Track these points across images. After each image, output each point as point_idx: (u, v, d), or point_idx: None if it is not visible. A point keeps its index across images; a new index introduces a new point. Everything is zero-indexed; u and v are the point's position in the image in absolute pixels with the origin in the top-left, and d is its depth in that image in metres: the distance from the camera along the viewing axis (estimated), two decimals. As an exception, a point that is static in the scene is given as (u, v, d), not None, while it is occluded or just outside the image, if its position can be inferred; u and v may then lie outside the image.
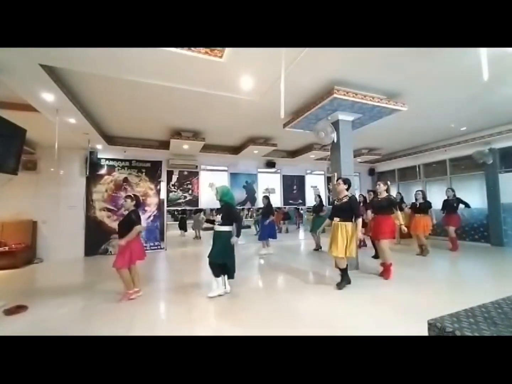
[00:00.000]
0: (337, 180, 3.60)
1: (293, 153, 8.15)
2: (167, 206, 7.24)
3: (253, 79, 3.34)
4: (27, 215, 5.72)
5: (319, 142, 4.66)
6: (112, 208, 6.49)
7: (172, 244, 7.80)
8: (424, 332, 0.99)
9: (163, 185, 7.13)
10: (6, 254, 5.01)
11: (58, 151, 4.54)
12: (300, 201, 9.05)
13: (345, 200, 3.40)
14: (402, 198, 6.64)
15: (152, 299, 3.21)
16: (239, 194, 8.13)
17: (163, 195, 7.11)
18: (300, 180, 9.11)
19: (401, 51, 2.90)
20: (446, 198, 5.83)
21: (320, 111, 4.20)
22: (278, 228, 10.81)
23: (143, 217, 6.77)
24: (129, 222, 3.13)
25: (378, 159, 8.90)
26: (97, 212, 6.36)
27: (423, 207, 5.49)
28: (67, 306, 3.01)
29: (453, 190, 5.77)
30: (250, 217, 14.59)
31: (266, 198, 6.08)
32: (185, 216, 11.03)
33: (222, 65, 2.97)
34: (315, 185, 9.32)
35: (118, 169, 6.70)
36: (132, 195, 3.37)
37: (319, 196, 6.48)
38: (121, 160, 6.72)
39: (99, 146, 6.12)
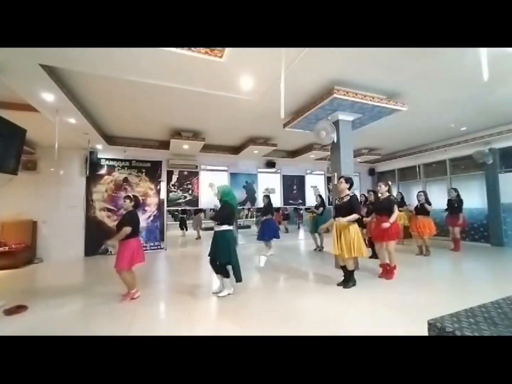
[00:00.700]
0: (339, 179, 3.58)
1: (293, 153, 8.15)
2: (167, 206, 7.24)
3: (253, 79, 3.34)
4: (27, 215, 5.72)
5: (319, 142, 4.66)
6: (112, 208, 6.49)
7: (172, 244, 7.81)
8: (424, 332, 0.99)
9: (163, 185, 7.13)
10: (6, 254, 5.01)
11: (58, 151, 4.54)
12: (300, 201, 9.04)
13: (346, 199, 3.38)
14: (402, 198, 6.62)
15: (152, 299, 3.21)
16: (239, 194, 8.13)
17: (163, 195, 7.11)
18: (300, 180, 9.11)
19: (401, 51, 2.90)
20: (449, 198, 5.81)
21: (320, 111, 4.20)
22: (279, 228, 10.82)
23: (143, 217, 6.78)
24: (121, 223, 3.11)
25: (378, 159, 8.90)
26: (97, 212, 6.36)
27: (424, 209, 5.45)
28: (67, 306, 3.01)
29: (456, 191, 5.75)
30: (250, 217, 14.58)
31: (267, 197, 6.02)
32: (185, 216, 11.04)
33: (222, 65, 2.97)
34: (315, 185, 9.31)
35: (118, 169, 6.70)
36: (131, 196, 3.34)
37: (320, 196, 6.45)
38: (121, 160, 6.72)
39: (99, 146, 6.12)
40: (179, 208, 8.94)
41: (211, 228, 3.52)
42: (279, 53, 2.38)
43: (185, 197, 7.44)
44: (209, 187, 7.58)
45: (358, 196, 4.29)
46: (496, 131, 5.91)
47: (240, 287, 3.44)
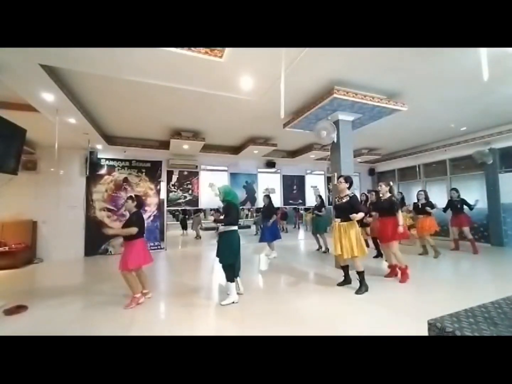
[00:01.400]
0: (338, 179, 3.55)
1: (293, 153, 8.15)
2: (167, 206, 7.24)
3: (253, 79, 3.34)
4: (27, 215, 5.72)
5: (319, 142, 4.66)
6: (112, 208, 6.49)
7: (172, 244, 7.81)
8: (424, 332, 0.99)
9: (163, 185, 7.13)
10: (6, 254, 5.01)
11: (58, 151, 4.54)
12: (300, 201, 9.04)
13: (346, 199, 3.35)
14: (403, 198, 6.60)
15: (152, 299, 3.21)
16: (239, 194, 8.13)
17: (163, 195, 7.11)
18: (300, 180, 9.11)
19: (401, 51, 2.90)
20: (450, 198, 5.80)
21: (320, 111, 4.20)
22: (280, 228, 10.80)
23: (144, 217, 6.77)
24: (128, 225, 3.08)
25: (378, 159, 8.90)
26: (97, 212, 6.36)
27: (425, 208, 5.44)
28: (67, 306, 3.01)
29: (457, 191, 5.73)
30: (250, 217, 14.58)
31: (268, 197, 5.88)
32: (186, 216, 11.07)
33: (222, 65, 2.97)
34: (315, 185, 9.31)
35: (118, 169, 6.70)
36: (134, 196, 3.31)
37: (320, 196, 6.43)
38: (121, 160, 6.72)
39: (99, 146, 6.12)
40: (179, 208, 8.94)
41: (212, 228, 3.51)
42: (279, 53, 2.38)
43: (185, 197, 7.44)
44: (209, 187, 7.57)
45: (359, 196, 4.27)
46: (496, 131, 5.91)
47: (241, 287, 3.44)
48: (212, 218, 3.21)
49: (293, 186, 8.98)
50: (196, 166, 7.47)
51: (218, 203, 3.38)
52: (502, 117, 5.35)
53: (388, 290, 3.32)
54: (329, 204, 7.85)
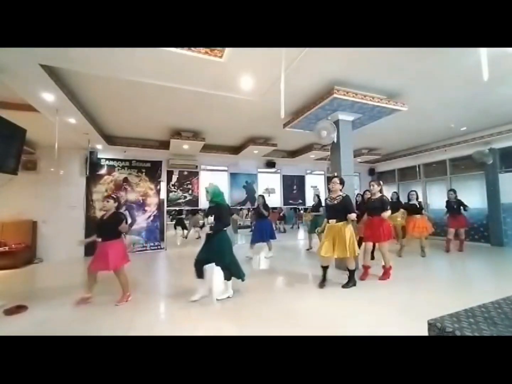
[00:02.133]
0: (331, 179, 3.56)
1: (293, 153, 8.15)
2: (167, 206, 7.24)
3: (253, 79, 3.34)
4: (27, 215, 5.72)
5: (319, 142, 4.66)
6: (112, 208, 6.48)
7: (172, 244, 7.81)
8: (424, 332, 0.99)
9: (163, 185, 7.13)
10: (6, 254, 5.01)
11: (58, 151, 4.54)
12: (300, 201, 9.05)
13: (338, 200, 3.37)
14: (398, 198, 6.53)
15: (152, 299, 3.21)
16: (239, 194, 8.14)
17: (163, 195, 7.11)
18: (300, 180, 9.11)
19: (401, 51, 2.90)
20: (448, 199, 5.80)
21: (320, 111, 4.20)
22: (278, 228, 10.78)
23: (143, 217, 6.79)
24: (115, 223, 3.04)
25: (378, 159, 8.90)
26: (97, 212, 6.34)
27: (416, 208, 5.41)
28: (67, 306, 3.01)
29: (454, 192, 5.73)
30: (250, 218, 14.56)
31: (262, 197, 5.75)
32: (182, 216, 10.90)
33: (222, 65, 2.97)
34: (315, 185, 9.32)
35: (118, 169, 6.70)
36: (115, 196, 3.24)
37: (318, 196, 6.43)
38: (121, 160, 6.72)
39: (99, 146, 6.12)
40: (176, 208, 8.88)
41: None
42: (279, 53, 2.37)
43: (185, 197, 7.44)
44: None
45: (355, 196, 4.27)
46: (496, 131, 5.91)
47: (239, 287, 3.44)
48: (211, 219, 3.14)
49: (293, 186, 8.98)
50: (196, 166, 7.47)
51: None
52: (502, 117, 5.35)
53: (386, 290, 3.32)
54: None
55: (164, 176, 7.15)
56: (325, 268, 3.52)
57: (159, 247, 6.90)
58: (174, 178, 7.36)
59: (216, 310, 2.86)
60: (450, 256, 5.39)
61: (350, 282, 3.43)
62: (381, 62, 3.16)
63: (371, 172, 9.87)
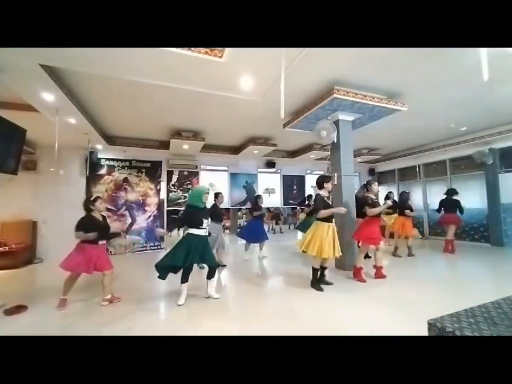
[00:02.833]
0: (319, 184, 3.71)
1: (293, 153, 8.15)
2: (167, 206, 7.24)
3: (253, 79, 3.34)
4: (27, 215, 5.72)
5: (319, 142, 4.66)
6: (112, 208, 6.49)
7: (172, 244, 7.80)
8: (424, 332, 0.99)
9: (163, 185, 7.13)
10: (6, 254, 5.01)
11: (58, 151, 4.53)
12: (300, 201, 9.05)
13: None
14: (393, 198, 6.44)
15: (152, 299, 3.21)
16: (239, 194, 8.14)
17: (163, 195, 7.11)
18: (300, 180, 9.11)
19: (401, 51, 2.90)
20: (445, 197, 5.78)
21: (320, 111, 4.20)
22: (269, 229, 10.72)
23: (144, 217, 6.79)
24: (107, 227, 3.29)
25: (378, 159, 8.90)
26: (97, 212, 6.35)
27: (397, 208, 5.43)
28: (67, 306, 3.01)
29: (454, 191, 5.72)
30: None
31: (255, 197, 5.66)
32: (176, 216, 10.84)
33: (222, 65, 2.97)
34: (315, 185, 9.30)
35: (118, 169, 6.70)
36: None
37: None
38: (121, 160, 6.72)
39: (99, 146, 6.12)
40: (171, 208, 8.85)
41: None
42: (279, 53, 2.38)
43: (185, 197, 7.44)
44: (210, 187, 7.58)
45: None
46: (496, 131, 5.91)
47: (240, 287, 3.44)
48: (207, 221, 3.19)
49: (293, 186, 8.98)
50: (196, 166, 7.47)
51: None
52: (502, 117, 5.35)
53: (386, 290, 3.32)
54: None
55: (164, 176, 7.16)
56: (324, 269, 3.54)
57: (159, 247, 6.90)
58: (174, 178, 7.36)
59: (215, 311, 2.86)
60: (450, 256, 5.38)
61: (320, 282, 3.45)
62: (381, 62, 3.16)
63: (371, 172, 9.86)
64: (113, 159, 6.65)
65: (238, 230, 5.94)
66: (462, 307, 1.07)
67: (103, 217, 3.27)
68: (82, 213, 3.26)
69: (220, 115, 4.83)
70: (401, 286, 3.47)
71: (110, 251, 6.24)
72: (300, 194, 9.03)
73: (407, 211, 5.28)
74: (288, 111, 4.55)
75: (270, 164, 8.29)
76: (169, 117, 4.95)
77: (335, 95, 3.62)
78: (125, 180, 6.71)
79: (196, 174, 7.59)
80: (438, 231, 7.44)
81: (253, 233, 5.38)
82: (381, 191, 9.44)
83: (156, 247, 6.85)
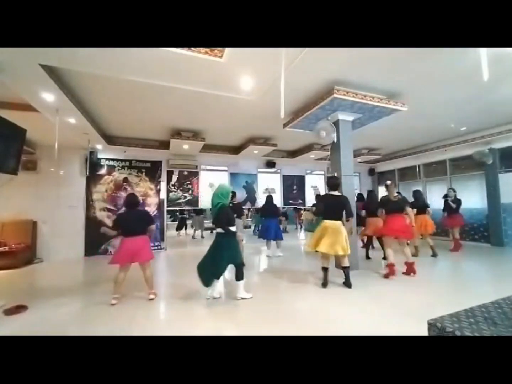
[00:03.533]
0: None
1: (293, 153, 8.15)
2: (167, 206, 7.24)
3: (253, 79, 3.34)
4: (27, 215, 5.72)
5: (319, 142, 4.66)
6: (112, 208, 6.48)
7: (172, 244, 7.80)
8: (424, 332, 0.99)
9: (163, 185, 7.13)
10: (6, 254, 5.01)
11: (58, 151, 4.53)
12: (300, 201, 9.05)
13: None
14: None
15: (152, 299, 3.21)
16: (239, 194, 8.13)
17: (163, 195, 7.11)
18: (300, 180, 9.11)
19: (401, 51, 2.90)
20: (446, 198, 5.80)
21: (320, 111, 4.20)
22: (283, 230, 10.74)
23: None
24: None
25: (378, 159, 8.90)
26: (97, 212, 6.35)
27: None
28: (67, 306, 3.01)
29: (454, 191, 5.73)
30: (250, 217, 14.53)
31: (271, 197, 5.90)
32: (185, 216, 10.96)
33: (222, 65, 2.97)
34: (315, 185, 9.32)
35: (118, 169, 6.69)
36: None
37: (318, 196, 6.44)
38: (121, 160, 6.72)
39: (99, 146, 6.12)
40: (178, 208, 8.90)
41: (214, 228, 3.45)
42: (279, 53, 2.38)
43: (185, 197, 7.44)
44: (209, 187, 7.59)
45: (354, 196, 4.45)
46: (496, 131, 5.91)
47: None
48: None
49: (293, 186, 8.98)
50: (196, 166, 7.47)
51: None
52: (502, 117, 5.35)
53: (386, 290, 3.32)
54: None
55: (164, 176, 7.15)
56: (326, 269, 3.55)
57: (159, 247, 6.90)
58: (174, 178, 7.36)
59: (216, 311, 2.86)
60: (450, 256, 5.38)
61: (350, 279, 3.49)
62: (381, 62, 3.16)
63: (371, 172, 9.87)
64: (113, 159, 6.65)
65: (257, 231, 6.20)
66: (462, 307, 1.07)
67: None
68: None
69: (220, 115, 4.83)
70: (401, 286, 3.46)
71: (110, 251, 6.25)
72: (300, 194, 9.04)
73: (428, 209, 5.42)
74: (288, 111, 4.55)
75: (270, 164, 8.29)
76: (169, 117, 4.95)
77: (335, 95, 3.62)
78: (125, 180, 6.71)
79: (196, 174, 7.59)
80: (438, 231, 7.43)
81: (271, 232, 5.62)
82: (381, 191, 9.48)
83: (156, 247, 6.84)
